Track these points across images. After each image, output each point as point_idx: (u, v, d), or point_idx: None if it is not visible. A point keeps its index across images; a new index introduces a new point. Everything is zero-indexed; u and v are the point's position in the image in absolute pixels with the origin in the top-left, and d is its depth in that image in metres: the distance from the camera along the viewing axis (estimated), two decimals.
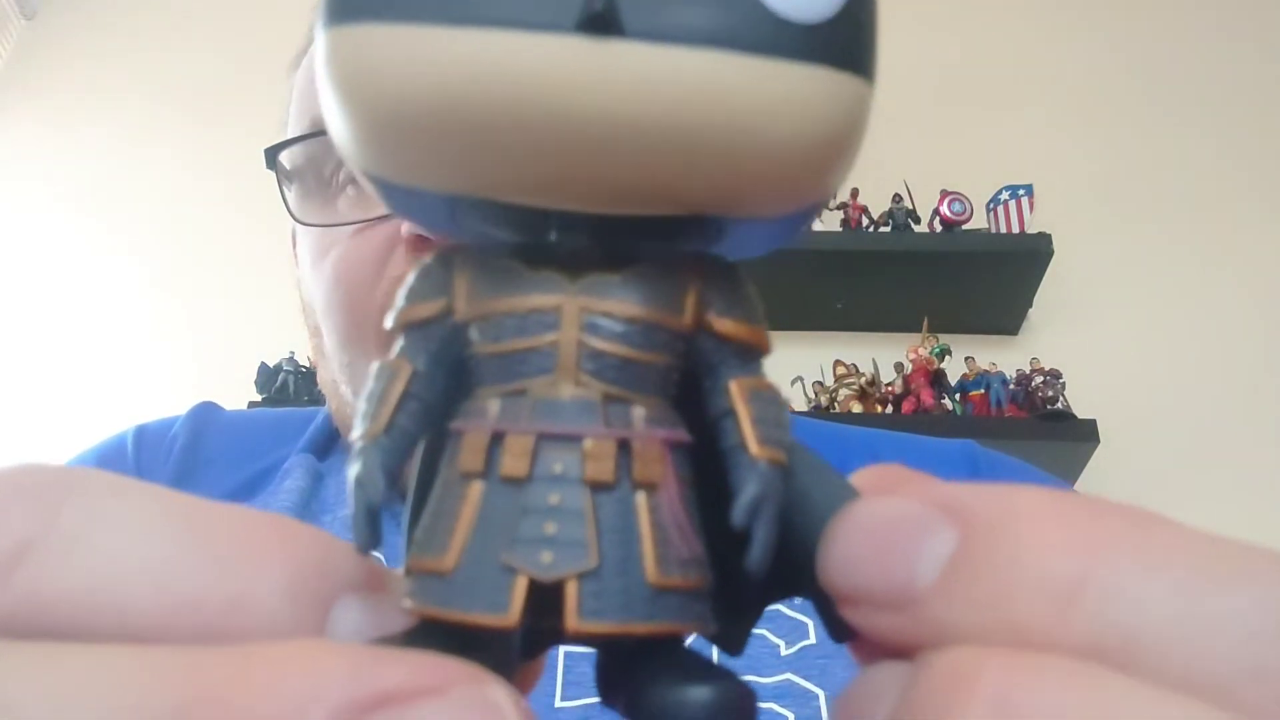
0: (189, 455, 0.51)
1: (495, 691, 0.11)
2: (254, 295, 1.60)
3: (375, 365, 0.15)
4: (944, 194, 1.49)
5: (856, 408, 1.42)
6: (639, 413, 0.14)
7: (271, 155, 0.47)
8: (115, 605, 0.11)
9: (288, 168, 0.48)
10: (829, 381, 1.48)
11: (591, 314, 0.14)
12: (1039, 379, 1.41)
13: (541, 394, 0.13)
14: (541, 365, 0.14)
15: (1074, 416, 1.38)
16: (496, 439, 0.13)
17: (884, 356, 1.49)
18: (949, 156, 1.64)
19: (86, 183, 1.87)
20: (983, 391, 1.41)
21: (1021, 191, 1.50)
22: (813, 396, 1.47)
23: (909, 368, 1.46)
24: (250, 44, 1.73)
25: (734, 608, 0.15)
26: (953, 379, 1.45)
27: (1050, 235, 1.45)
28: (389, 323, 0.15)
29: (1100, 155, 1.68)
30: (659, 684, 0.13)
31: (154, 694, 0.10)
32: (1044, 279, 1.50)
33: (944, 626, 0.11)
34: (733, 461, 0.14)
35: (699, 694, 0.12)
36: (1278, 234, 1.59)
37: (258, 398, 1.55)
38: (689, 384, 0.15)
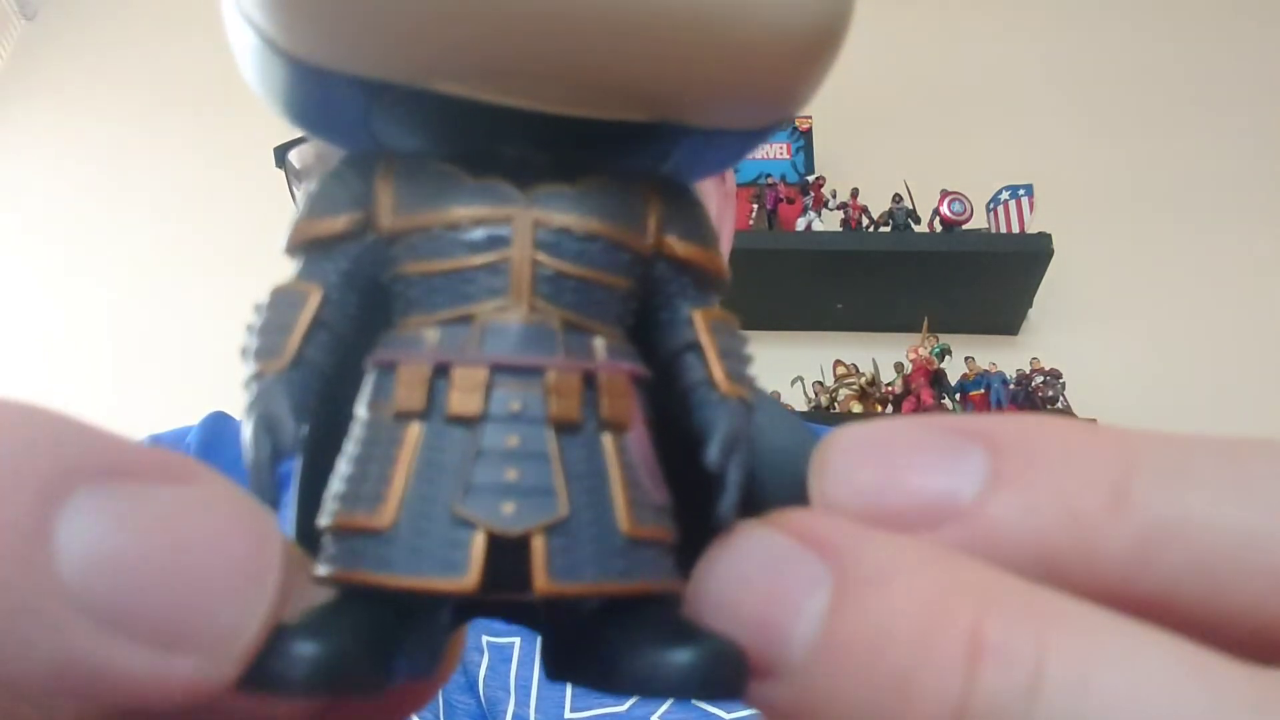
0: None
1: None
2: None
3: (269, 292, 0.12)
4: (944, 194, 1.49)
5: (856, 408, 1.42)
6: (600, 343, 0.12)
7: (280, 154, 0.48)
8: None
9: (297, 166, 0.48)
10: (829, 381, 1.48)
11: (547, 228, 0.12)
12: (1039, 379, 1.41)
13: (491, 320, 0.12)
14: (491, 287, 0.12)
15: (1074, 416, 1.38)
16: (440, 372, 0.11)
17: (884, 356, 1.49)
18: (949, 156, 1.64)
19: (87, 182, 1.87)
20: (983, 391, 1.41)
21: (1021, 191, 1.50)
22: (813, 396, 1.47)
23: (909, 368, 1.46)
24: None
25: None
26: (953, 379, 1.45)
27: (1050, 235, 1.45)
28: (284, 241, 0.13)
29: (1100, 155, 1.68)
30: (636, 649, 0.11)
31: None
32: (1044, 279, 1.50)
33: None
34: (697, 399, 0.13)
35: (683, 657, 0.11)
36: (1277, 234, 1.59)
37: None
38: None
